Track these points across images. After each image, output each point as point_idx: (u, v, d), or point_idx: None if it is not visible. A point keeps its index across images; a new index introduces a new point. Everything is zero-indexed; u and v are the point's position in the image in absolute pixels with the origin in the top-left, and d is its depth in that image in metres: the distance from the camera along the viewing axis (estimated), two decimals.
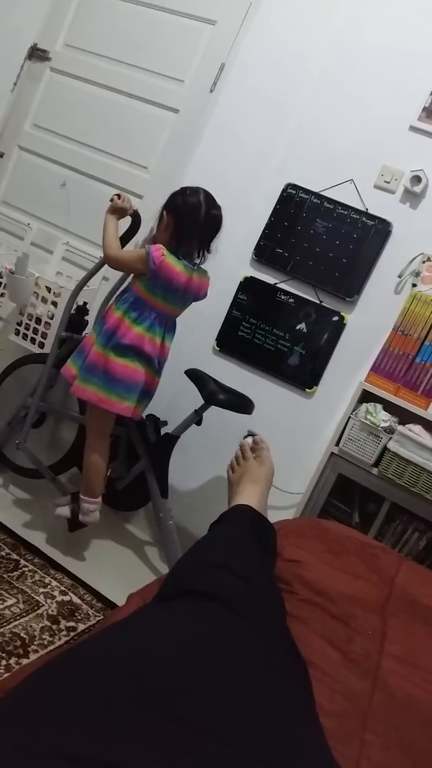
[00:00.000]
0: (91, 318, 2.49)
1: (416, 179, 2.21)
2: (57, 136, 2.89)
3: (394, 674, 1.12)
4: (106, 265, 2.23)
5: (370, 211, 2.29)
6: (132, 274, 2.13)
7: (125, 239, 2.19)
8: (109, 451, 2.20)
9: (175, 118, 2.65)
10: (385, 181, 2.28)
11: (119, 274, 2.42)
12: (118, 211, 2.14)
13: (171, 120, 2.66)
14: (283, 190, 2.42)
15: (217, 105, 2.56)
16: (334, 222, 2.34)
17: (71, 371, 2.12)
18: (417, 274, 2.22)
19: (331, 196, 2.35)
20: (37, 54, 2.92)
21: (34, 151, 2.94)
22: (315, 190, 2.37)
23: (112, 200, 2.15)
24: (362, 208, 2.31)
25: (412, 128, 2.25)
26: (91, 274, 2.31)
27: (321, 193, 2.36)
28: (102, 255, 2.15)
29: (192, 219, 1.98)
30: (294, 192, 2.41)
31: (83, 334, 2.43)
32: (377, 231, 2.28)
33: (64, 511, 2.20)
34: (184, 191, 2.02)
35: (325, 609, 1.25)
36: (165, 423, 2.38)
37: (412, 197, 2.25)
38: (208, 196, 2.02)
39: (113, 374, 2.03)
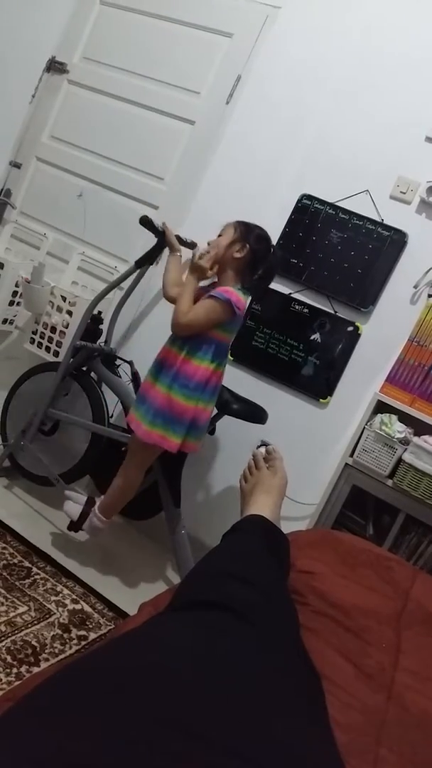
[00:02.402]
0: (103, 326, 2.50)
1: None
2: (74, 148, 2.92)
3: (408, 688, 1.10)
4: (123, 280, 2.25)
5: (386, 222, 2.29)
6: None
7: (148, 258, 2.18)
8: (141, 482, 2.18)
9: (192, 130, 2.67)
10: (401, 192, 2.27)
11: (128, 281, 2.41)
12: (198, 271, 1.97)
13: (187, 132, 2.67)
14: (299, 201, 2.43)
15: (233, 117, 2.58)
16: (349, 232, 2.34)
17: (135, 420, 2.03)
18: None
19: (347, 207, 2.35)
20: (55, 66, 2.96)
21: (52, 162, 2.97)
22: (330, 200, 2.38)
23: (195, 256, 1.99)
24: (378, 219, 2.30)
25: (428, 139, 2.25)
26: (112, 287, 2.33)
27: (336, 203, 2.37)
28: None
29: (263, 255, 2.01)
30: (309, 202, 2.41)
31: (98, 342, 2.44)
32: (393, 242, 2.27)
33: (75, 510, 2.19)
34: (258, 228, 2.03)
35: (338, 621, 1.23)
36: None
37: (428, 208, 2.25)
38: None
39: (200, 421, 2.00)
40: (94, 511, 2.16)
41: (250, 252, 1.98)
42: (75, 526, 2.21)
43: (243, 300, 1.97)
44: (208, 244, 2.02)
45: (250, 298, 2.06)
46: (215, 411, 2.23)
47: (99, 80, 2.87)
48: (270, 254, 2.04)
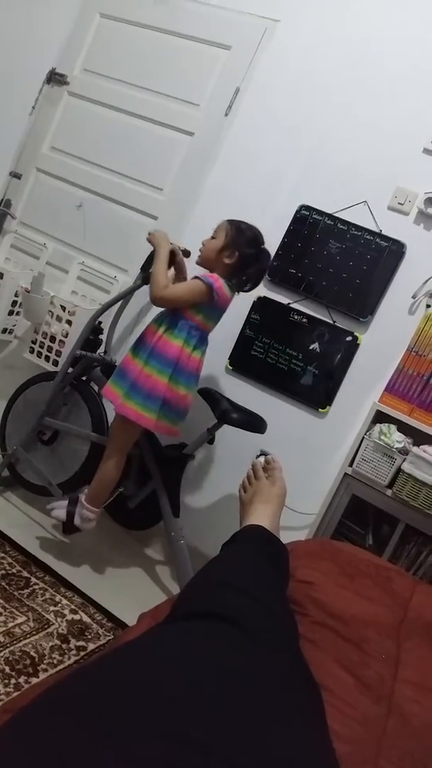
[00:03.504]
0: (102, 335, 2.51)
1: (430, 201, 2.22)
2: (74, 159, 2.94)
3: (408, 700, 1.10)
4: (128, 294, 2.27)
5: (384, 233, 2.30)
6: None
7: (152, 261, 2.20)
8: (123, 467, 2.21)
9: (191, 141, 2.68)
10: (399, 203, 2.29)
11: (135, 294, 2.44)
12: (164, 241, 2.12)
13: (186, 143, 2.69)
14: (297, 212, 2.44)
15: (232, 128, 2.60)
16: (348, 243, 2.35)
17: (112, 392, 2.13)
18: (431, 295, 2.22)
19: (345, 218, 2.36)
20: (55, 78, 2.99)
21: (52, 173, 2.99)
22: (328, 211, 2.39)
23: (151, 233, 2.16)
24: (376, 230, 2.32)
25: (426, 150, 2.26)
26: (116, 300, 2.35)
27: (334, 214, 2.38)
28: (148, 291, 2.14)
29: (254, 260, 2.12)
30: (307, 213, 2.42)
31: (97, 352, 2.45)
32: (391, 252, 2.28)
33: (60, 513, 2.21)
34: (249, 231, 2.12)
35: (338, 632, 1.23)
36: (185, 445, 2.37)
37: (426, 219, 2.26)
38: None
39: (172, 402, 2.07)
40: (81, 504, 2.19)
41: (240, 258, 2.09)
42: (67, 527, 2.22)
43: (226, 292, 2.08)
44: (203, 244, 2.13)
45: (235, 294, 2.15)
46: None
47: (99, 92, 2.89)
48: (259, 259, 2.14)
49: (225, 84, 2.61)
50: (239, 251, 2.09)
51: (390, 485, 2.12)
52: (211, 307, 2.07)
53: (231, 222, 2.12)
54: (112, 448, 2.19)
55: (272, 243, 2.45)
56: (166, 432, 2.13)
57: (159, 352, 2.06)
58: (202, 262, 2.14)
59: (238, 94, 2.58)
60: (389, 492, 2.12)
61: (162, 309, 2.14)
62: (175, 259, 2.15)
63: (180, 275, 2.20)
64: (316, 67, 2.46)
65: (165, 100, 2.74)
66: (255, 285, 2.20)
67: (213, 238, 2.12)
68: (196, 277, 2.07)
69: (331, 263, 2.38)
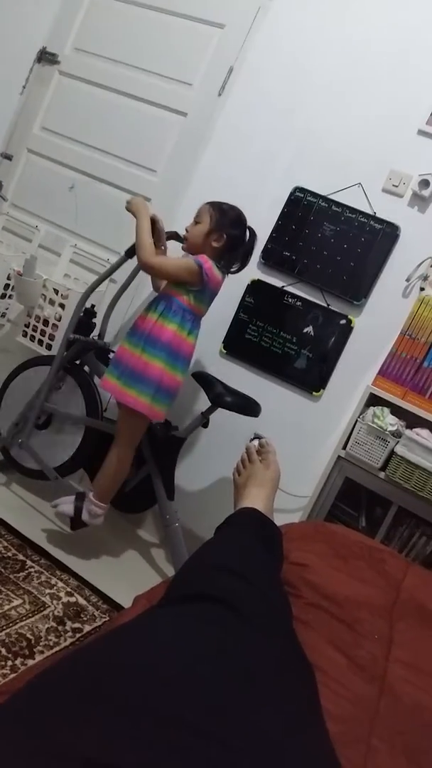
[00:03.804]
0: (96, 319, 2.50)
1: (424, 183, 2.20)
2: (65, 139, 2.90)
3: (401, 680, 1.12)
4: (114, 270, 2.25)
5: (378, 215, 2.29)
6: (152, 281, 2.23)
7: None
8: (132, 461, 2.21)
9: (184, 122, 2.65)
10: (393, 185, 2.28)
11: (125, 275, 2.43)
12: (143, 208, 2.12)
13: (179, 123, 2.66)
14: (291, 194, 2.42)
15: (225, 108, 2.57)
16: (342, 225, 2.34)
17: (110, 383, 2.12)
18: (425, 278, 2.22)
19: (339, 200, 2.35)
20: (46, 57, 2.94)
21: (43, 153, 2.95)
22: (323, 193, 2.37)
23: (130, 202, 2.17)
24: (370, 212, 2.30)
25: (421, 132, 2.24)
26: (103, 278, 2.32)
27: (329, 196, 2.36)
28: (125, 264, 2.14)
29: (241, 241, 2.13)
30: (302, 195, 2.41)
31: (91, 336, 2.44)
32: (385, 235, 2.28)
33: (68, 509, 2.20)
34: (232, 211, 2.11)
35: (331, 613, 1.25)
36: (176, 428, 2.38)
37: (420, 201, 2.25)
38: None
39: (167, 386, 2.07)
40: (88, 499, 2.18)
41: (227, 240, 2.09)
42: (75, 523, 2.22)
43: (216, 273, 2.08)
44: (187, 231, 2.13)
45: (225, 276, 2.15)
46: (208, 404, 2.24)
47: (90, 71, 2.85)
48: (246, 238, 2.14)
49: (218, 63, 2.58)
50: (226, 233, 2.08)
51: (383, 468, 2.13)
52: (203, 289, 2.07)
53: (212, 204, 2.11)
54: (121, 444, 2.16)
55: (266, 225, 2.45)
56: (157, 417, 2.12)
57: (155, 338, 2.05)
58: (189, 248, 2.14)
59: (231, 74, 2.55)
60: (382, 474, 2.14)
61: (155, 297, 2.13)
62: (155, 226, 2.13)
63: (158, 243, 2.17)
64: (310, 47, 2.43)
65: (158, 80, 2.71)
66: (244, 265, 2.20)
67: (197, 223, 2.11)
68: (186, 256, 2.08)
69: (326, 246, 2.37)
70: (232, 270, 2.18)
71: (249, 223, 2.16)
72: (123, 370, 2.09)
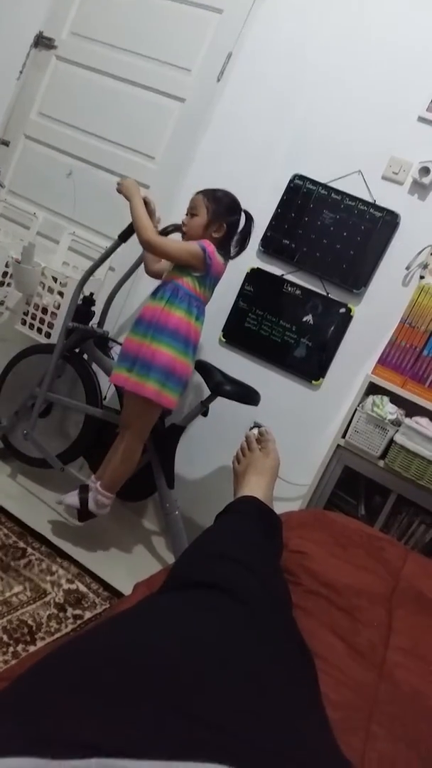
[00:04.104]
0: (95, 308, 2.49)
1: (425, 171, 2.19)
2: (63, 125, 2.88)
3: (399, 666, 1.13)
4: (111, 256, 2.24)
5: (378, 203, 2.28)
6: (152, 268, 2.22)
7: (131, 231, 2.16)
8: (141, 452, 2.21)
9: (182, 108, 2.63)
10: (393, 173, 2.26)
11: (127, 264, 2.42)
12: (136, 190, 2.11)
13: (177, 109, 2.64)
14: (290, 181, 2.41)
15: (224, 94, 2.55)
16: (342, 213, 2.33)
17: (121, 376, 2.08)
18: (425, 266, 2.21)
19: (339, 188, 2.34)
20: (42, 42, 2.91)
21: (40, 140, 2.93)
22: (322, 181, 2.36)
23: (120, 183, 2.16)
24: (370, 200, 2.29)
25: (421, 119, 2.23)
26: (98, 263, 2.31)
27: (328, 184, 2.35)
28: (119, 249, 2.12)
29: (236, 227, 2.12)
30: (301, 183, 2.40)
31: (90, 324, 2.43)
32: (385, 223, 2.27)
33: (74, 501, 2.20)
34: (227, 197, 2.10)
35: (331, 600, 1.25)
36: (169, 413, 2.37)
37: (420, 189, 2.24)
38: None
39: (179, 373, 2.05)
40: (95, 489, 2.17)
41: (227, 228, 2.09)
42: (83, 514, 2.22)
43: (219, 258, 2.07)
44: (184, 224, 2.10)
45: (227, 263, 2.14)
46: (208, 392, 2.25)
47: (88, 56, 2.82)
48: (243, 221, 2.13)
49: (217, 49, 2.55)
50: (225, 222, 2.07)
51: (382, 456, 2.14)
52: (207, 274, 2.05)
53: (206, 194, 2.08)
54: (131, 434, 2.14)
55: (265, 213, 2.44)
56: (168, 404, 2.08)
57: (162, 325, 2.03)
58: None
59: (230, 59, 2.53)
60: (381, 463, 2.14)
61: (158, 285, 2.11)
62: (147, 208, 2.12)
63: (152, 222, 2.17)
64: (309, 33, 2.40)
65: (156, 65, 2.68)
66: (242, 249, 2.19)
67: (193, 215, 2.08)
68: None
69: (325, 234, 2.36)
70: (233, 256, 2.17)
71: (248, 210, 2.15)
72: (133, 361, 2.05)
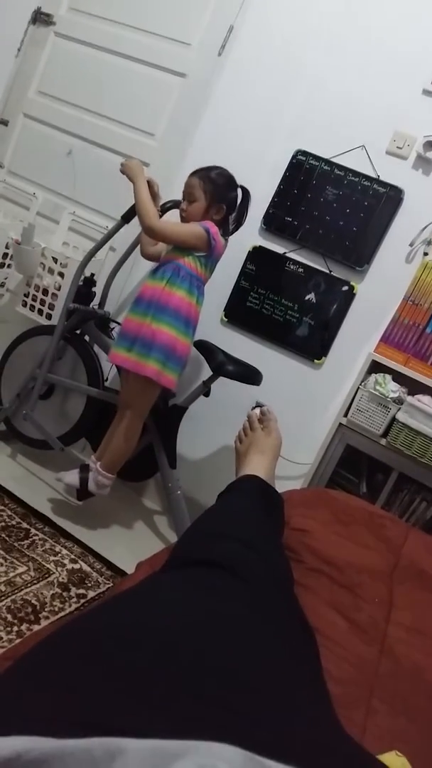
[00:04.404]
0: (96, 289, 2.48)
1: (429, 145, 2.16)
2: (62, 103, 2.84)
3: (401, 642, 1.13)
4: (111, 236, 2.22)
5: (382, 178, 2.25)
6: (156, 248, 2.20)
7: (134, 211, 2.13)
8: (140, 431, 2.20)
9: (182, 83, 2.59)
10: (398, 147, 2.23)
11: (127, 244, 2.40)
12: (140, 171, 2.09)
13: (178, 85, 2.60)
14: (293, 157, 2.38)
15: (225, 69, 2.50)
16: (345, 189, 2.30)
17: (121, 356, 2.07)
18: (429, 242, 2.19)
19: (342, 163, 2.30)
20: (41, 18, 2.86)
21: (39, 118, 2.89)
22: (325, 156, 2.33)
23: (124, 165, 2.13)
24: (374, 175, 2.26)
25: (426, 92, 2.19)
26: (100, 245, 2.29)
27: (331, 159, 2.32)
28: (139, 224, 2.08)
29: (234, 204, 2.11)
30: (304, 158, 2.36)
31: (91, 305, 2.42)
32: (389, 198, 2.24)
33: (74, 480, 2.21)
34: (222, 177, 2.07)
35: (332, 578, 1.26)
36: (173, 395, 2.37)
37: (424, 163, 2.21)
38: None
39: (179, 353, 2.05)
40: (95, 470, 2.17)
41: (227, 208, 2.08)
42: (82, 493, 2.22)
43: (220, 238, 2.06)
44: (184, 210, 2.07)
45: (227, 241, 2.13)
46: (210, 374, 2.24)
47: (87, 32, 2.77)
48: (241, 199, 2.12)
49: (218, 22, 2.50)
50: (224, 202, 2.06)
51: (384, 435, 2.13)
52: (210, 255, 2.05)
53: (200, 177, 2.04)
54: (131, 414, 2.14)
55: (267, 190, 2.41)
56: (168, 383, 2.07)
57: (163, 305, 2.02)
58: None
59: (231, 33, 2.48)
60: (383, 441, 2.14)
61: (158, 264, 2.10)
62: (151, 190, 2.10)
63: (157, 204, 2.14)
64: (312, 6, 2.35)
65: (156, 40, 2.63)
66: (240, 225, 2.17)
67: (191, 201, 2.05)
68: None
69: (328, 211, 2.33)
70: (231, 232, 2.16)
71: (249, 186, 2.13)
72: (132, 340, 2.05)
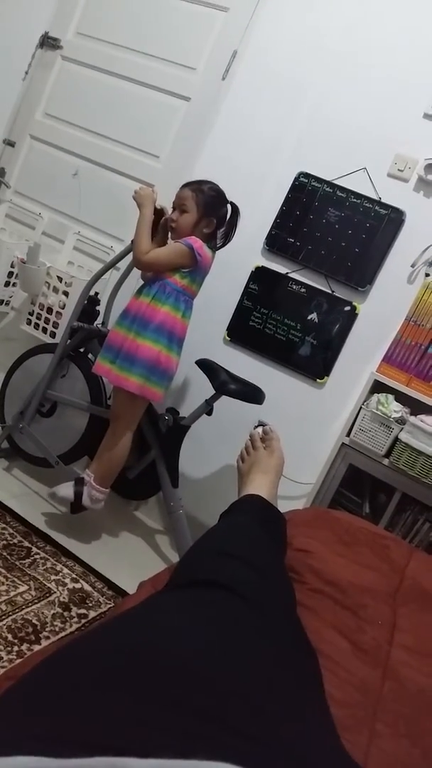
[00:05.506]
0: (99, 307, 2.49)
1: (430, 167, 2.18)
2: (68, 125, 2.88)
3: (404, 664, 1.12)
4: (120, 260, 2.24)
5: (383, 200, 2.27)
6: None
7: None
8: (130, 445, 2.22)
9: (187, 107, 2.63)
10: (399, 170, 2.26)
11: (126, 262, 2.41)
12: (149, 201, 2.11)
13: (183, 108, 2.64)
14: (296, 179, 2.40)
15: (229, 93, 2.54)
16: (347, 211, 2.32)
17: (104, 367, 2.13)
18: (430, 263, 2.20)
19: (344, 185, 2.33)
20: (48, 42, 2.91)
21: (46, 140, 2.94)
22: (327, 178, 2.36)
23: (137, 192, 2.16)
24: (375, 197, 2.29)
25: (427, 116, 2.22)
26: (109, 267, 2.32)
27: (333, 181, 2.35)
28: (130, 254, 2.13)
29: (224, 219, 2.14)
30: (306, 180, 2.39)
31: (95, 324, 2.43)
32: (390, 220, 2.26)
33: (68, 493, 2.20)
34: (213, 191, 2.10)
35: (335, 599, 1.25)
36: (180, 416, 2.38)
37: (425, 186, 2.23)
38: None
39: (163, 367, 2.08)
40: (89, 484, 2.18)
41: (217, 222, 2.12)
42: (76, 507, 2.23)
43: (207, 252, 2.09)
44: (174, 220, 2.10)
45: (214, 255, 2.15)
46: (213, 390, 2.24)
47: (93, 56, 2.82)
48: (230, 214, 2.15)
49: (222, 47, 2.55)
50: (215, 217, 2.10)
51: (387, 455, 2.13)
52: (196, 269, 2.07)
53: (193, 189, 2.09)
54: (118, 427, 2.17)
55: (270, 211, 2.43)
56: (152, 397, 2.12)
57: (147, 320, 2.06)
58: (179, 237, 2.11)
59: (235, 58, 2.52)
60: (386, 461, 2.13)
61: (145, 282, 2.14)
62: (163, 216, 2.13)
63: (165, 236, 2.17)
64: (314, 31, 2.40)
65: (161, 64, 2.69)
66: (228, 240, 2.20)
67: (183, 211, 2.08)
68: (176, 241, 2.08)
69: (330, 232, 2.35)
70: (219, 247, 2.19)
71: (252, 208, 2.16)
72: (116, 353, 2.10)
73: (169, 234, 2.17)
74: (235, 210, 2.16)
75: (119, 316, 2.17)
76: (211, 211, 2.09)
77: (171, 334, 2.08)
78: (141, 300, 2.09)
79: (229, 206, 2.14)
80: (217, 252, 2.18)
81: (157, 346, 2.05)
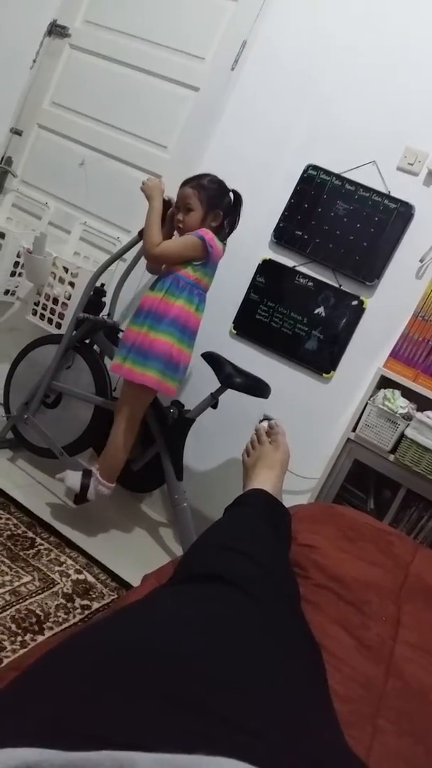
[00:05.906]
0: (105, 298, 2.49)
1: None
2: (76, 114, 2.87)
3: (408, 661, 1.12)
4: (126, 251, 2.24)
5: (392, 194, 2.25)
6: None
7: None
8: (135, 438, 2.21)
9: (196, 97, 2.61)
10: (408, 163, 2.24)
11: (133, 253, 2.41)
12: (157, 193, 2.11)
13: (191, 98, 2.62)
14: (304, 171, 2.39)
15: (238, 83, 2.52)
16: (355, 204, 2.31)
17: (119, 365, 2.12)
18: None
19: (353, 178, 2.31)
20: (56, 30, 2.89)
21: (53, 129, 2.92)
22: (336, 171, 2.34)
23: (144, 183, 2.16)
24: (384, 191, 2.27)
25: None
26: (115, 258, 2.31)
27: (342, 174, 2.33)
28: (136, 245, 2.12)
29: (228, 208, 2.13)
30: (315, 173, 2.37)
31: (101, 315, 2.43)
32: (399, 214, 2.24)
33: (75, 483, 2.20)
34: (213, 183, 2.10)
35: (339, 594, 1.25)
36: (186, 409, 2.37)
37: None
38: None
39: (177, 361, 2.07)
40: (96, 478, 2.18)
41: (223, 214, 2.11)
42: (80, 498, 2.23)
43: (218, 244, 2.09)
44: (180, 221, 2.09)
45: (224, 246, 2.15)
46: (218, 385, 2.24)
47: (101, 44, 2.80)
48: (234, 203, 2.14)
49: (231, 37, 2.53)
50: (220, 208, 2.10)
51: (393, 450, 2.12)
52: (207, 261, 2.07)
53: (193, 186, 2.08)
54: (123, 420, 2.17)
55: (278, 204, 2.42)
56: (167, 391, 2.11)
57: (161, 314, 2.05)
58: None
59: (244, 48, 2.50)
60: (392, 457, 2.13)
61: (158, 277, 2.13)
62: (171, 207, 2.13)
63: (172, 229, 2.17)
64: (325, 21, 2.37)
65: (170, 54, 2.66)
66: (234, 229, 2.20)
67: (189, 210, 2.07)
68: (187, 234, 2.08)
69: (338, 225, 2.33)
70: (227, 235, 2.19)
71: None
72: (129, 349, 2.09)
73: (176, 234, 2.16)
74: (238, 197, 2.16)
75: (133, 315, 2.16)
76: (216, 203, 2.08)
77: (184, 327, 2.07)
78: (154, 295, 2.08)
79: (231, 194, 2.14)
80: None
81: (171, 338, 2.05)
